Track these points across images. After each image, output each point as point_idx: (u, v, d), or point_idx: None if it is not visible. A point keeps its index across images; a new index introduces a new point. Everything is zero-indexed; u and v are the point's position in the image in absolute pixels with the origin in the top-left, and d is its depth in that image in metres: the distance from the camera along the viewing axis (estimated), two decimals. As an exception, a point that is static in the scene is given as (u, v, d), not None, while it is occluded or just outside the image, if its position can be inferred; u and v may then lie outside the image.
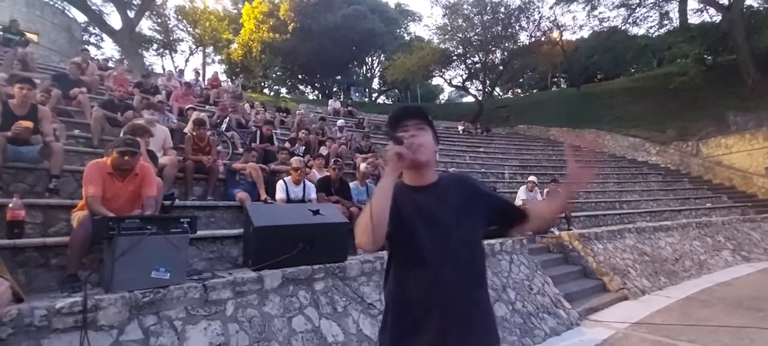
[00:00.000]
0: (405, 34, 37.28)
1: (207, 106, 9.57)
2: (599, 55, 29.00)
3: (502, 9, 24.65)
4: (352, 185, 5.62)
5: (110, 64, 13.58)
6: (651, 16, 24.79)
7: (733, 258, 8.81)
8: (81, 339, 2.28)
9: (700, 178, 15.32)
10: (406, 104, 1.38)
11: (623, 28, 26.11)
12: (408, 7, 39.57)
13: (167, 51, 34.19)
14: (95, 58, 13.26)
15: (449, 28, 25.87)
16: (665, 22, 24.53)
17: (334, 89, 37.45)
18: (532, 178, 8.45)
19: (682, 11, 22.99)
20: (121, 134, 3.74)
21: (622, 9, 24.88)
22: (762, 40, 17.45)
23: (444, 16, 26.30)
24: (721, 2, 20.94)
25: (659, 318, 5.10)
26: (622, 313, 5.41)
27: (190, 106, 7.83)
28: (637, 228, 8.30)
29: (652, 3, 23.96)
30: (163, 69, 24.10)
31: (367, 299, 3.48)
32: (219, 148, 6.21)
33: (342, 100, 21.55)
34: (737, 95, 17.17)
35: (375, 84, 40.31)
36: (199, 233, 3.40)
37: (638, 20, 25.25)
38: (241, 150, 6.37)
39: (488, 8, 24.66)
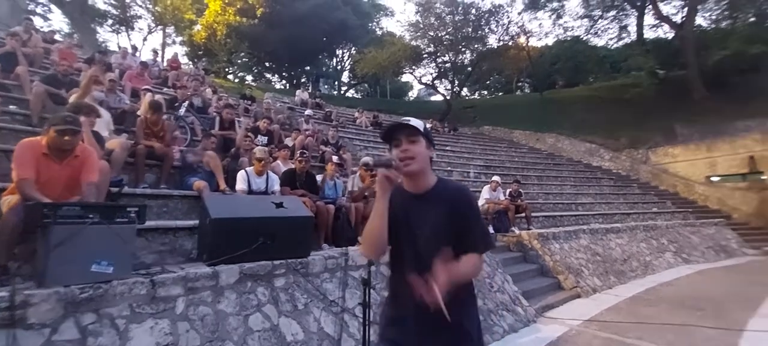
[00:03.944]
0: (377, 29, 37.03)
1: (164, 89, 9.02)
2: (562, 63, 30.17)
3: (473, 11, 25.06)
4: (319, 178, 5.46)
5: (57, 37, 12.48)
6: (611, 29, 26.15)
7: (675, 260, 9.44)
8: (8, 339, 2.04)
9: (648, 184, 16.32)
10: (397, 121, 1.49)
11: (585, 38, 27.42)
12: (381, 2, 39.36)
13: (123, 28, 32.02)
14: (40, 29, 12.18)
15: (421, 25, 25.97)
16: (624, 35, 25.93)
17: (303, 80, 36.66)
18: (495, 178, 8.63)
19: (639, 26, 24.37)
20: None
21: (585, 20, 26.11)
22: (710, 58, 18.77)
23: (417, 13, 26.39)
24: (674, 20, 22.41)
25: (609, 316, 5.35)
26: (576, 310, 5.64)
27: (146, 87, 7.34)
28: (590, 229, 8.70)
29: (612, 16, 25.26)
30: (118, 47, 22.47)
31: (330, 296, 3.38)
32: (176, 133, 5.84)
33: (310, 91, 21.06)
34: (684, 109, 18.43)
35: (344, 77, 39.93)
36: (150, 223, 3.16)
37: (599, 32, 26.58)
38: (200, 136, 6.03)
39: (460, 9, 25.00)
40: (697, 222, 12.11)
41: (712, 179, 14.98)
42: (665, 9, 23.12)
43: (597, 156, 18.31)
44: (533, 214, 8.68)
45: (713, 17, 21.98)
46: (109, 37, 32.34)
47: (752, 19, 19.54)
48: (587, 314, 5.38)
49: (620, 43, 26.48)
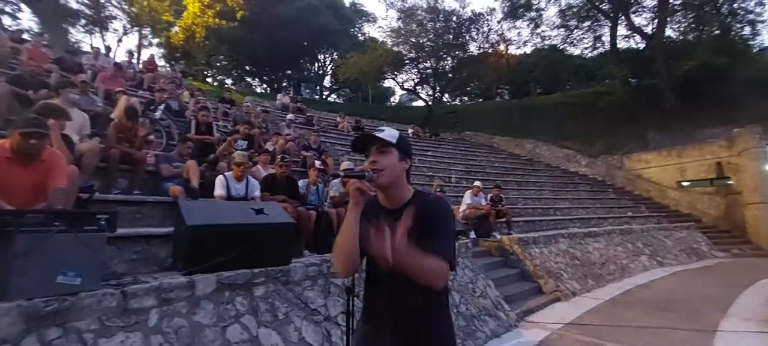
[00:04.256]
0: (359, 34, 37.05)
1: (139, 92, 8.76)
2: (539, 71, 30.90)
3: (454, 18, 25.46)
4: (301, 183, 5.36)
5: (26, 36, 11.97)
6: (586, 39, 27.00)
7: (650, 263, 9.72)
8: (-39, 357, 1.90)
9: (623, 189, 16.80)
10: (366, 132, 1.42)
11: (562, 47, 28.21)
12: (363, 7, 39.46)
13: (97, 28, 30.97)
14: (8, 28, 11.66)
15: (403, 31, 26.19)
16: (598, 45, 26.80)
17: (284, 84, 36.32)
18: (477, 183, 8.70)
19: (613, 36, 25.23)
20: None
21: (562, 29, 26.88)
22: (679, 68, 19.60)
23: (398, 19, 26.62)
24: (645, 31, 23.32)
25: (589, 319, 5.44)
26: (556, 314, 5.71)
27: (120, 89, 7.09)
28: (569, 233, 8.86)
29: (587, 26, 26.10)
30: (91, 47, 21.45)
31: (311, 304, 3.30)
32: (151, 137, 5.65)
33: (291, 95, 20.87)
34: (656, 116, 19.14)
35: (326, 82, 39.74)
36: (121, 231, 3.01)
37: (575, 41, 27.41)
38: (176, 140, 5.86)
39: (441, 16, 25.36)
40: (669, 226, 12.52)
41: (683, 184, 15.54)
42: (637, 20, 24.11)
43: (574, 162, 18.74)
44: (513, 219, 8.79)
45: (681, 29, 23.00)
46: (81, 37, 31.13)
47: (717, 32, 20.53)
48: (567, 318, 5.45)
49: (595, 52, 27.40)
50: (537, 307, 6.02)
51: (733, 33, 20.71)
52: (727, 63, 18.38)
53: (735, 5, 21.11)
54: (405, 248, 1.10)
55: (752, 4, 21.16)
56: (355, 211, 1.32)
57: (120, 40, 32.02)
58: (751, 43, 21.92)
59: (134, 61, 13.31)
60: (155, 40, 33.29)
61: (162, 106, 6.77)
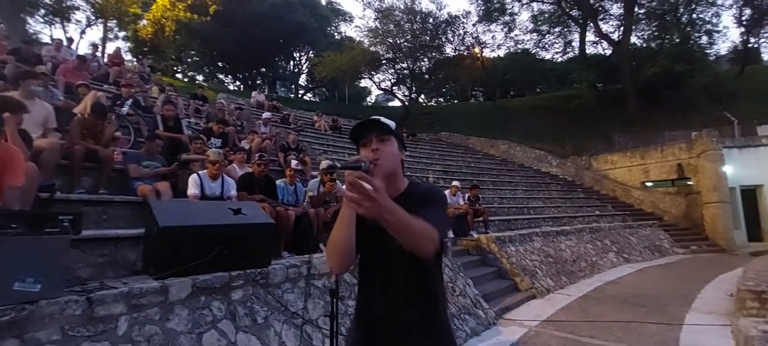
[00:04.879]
0: (335, 33, 36.80)
1: (104, 86, 8.31)
2: (513, 74, 31.67)
3: (431, 20, 25.73)
4: (279, 182, 5.22)
5: (-23, 25, 11.14)
6: (557, 44, 27.94)
7: (617, 259, 10.10)
8: None
9: (591, 188, 17.41)
10: (367, 118, 1.37)
11: (534, 51, 29.06)
12: (340, 6, 39.19)
13: (58, 19, 29.24)
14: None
15: (380, 32, 26.21)
16: (568, 49, 27.81)
17: (258, 82, 35.56)
18: (455, 182, 8.78)
19: (582, 42, 26.23)
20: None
21: (534, 34, 27.68)
22: (643, 74, 20.57)
23: (376, 19, 26.62)
24: (612, 38, 24.33)
25: (563, 315, 5.57)
26: (532, 311, 5.82)
27: (82, 82, 6.68)
28: (542, 232, 9.08)
29: (558, 32, 26.98)
30: (51, 39, 20.01)
31: (292, 307, 3.20)
32: (118, 133, 5.36)
33: (266, 93, 20.44)
34: (621, 119, 19.97)
35: (302, 80, 39.25)
36: (86, 232, 2.82)
37: (547, 46, 28.34)
38: (145, 137, 5.56)
39: (418, 18, 25.56)
40: (634, 224, 13.05)
41: (647, 184, 16.27)
42: (605, 27, 25.17)
43: (545, 162, 19.26)
44: (490, 218, 8.92)
45: (645, 37, 24.16)
46: (40, 28, 29.27)
47: (677, 41, 21.66)
48: (543, 315, 5.56)
49: (565, 57, 28.42)
50: (514, 304, 6.11)
51: (691, 42, 21.90)
52: (686, 70, 19.43)
53: (694, 15, 22.37)
54: (388, 202, 1.03)
55: (709, 14, 22.53)
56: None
57: (83, 33, 30.38)
58: (708, 51, 23.32)
59: (98, 54, 12.64)
60: (121, 34, 31.86)
61: (129, 102, 6.42)
